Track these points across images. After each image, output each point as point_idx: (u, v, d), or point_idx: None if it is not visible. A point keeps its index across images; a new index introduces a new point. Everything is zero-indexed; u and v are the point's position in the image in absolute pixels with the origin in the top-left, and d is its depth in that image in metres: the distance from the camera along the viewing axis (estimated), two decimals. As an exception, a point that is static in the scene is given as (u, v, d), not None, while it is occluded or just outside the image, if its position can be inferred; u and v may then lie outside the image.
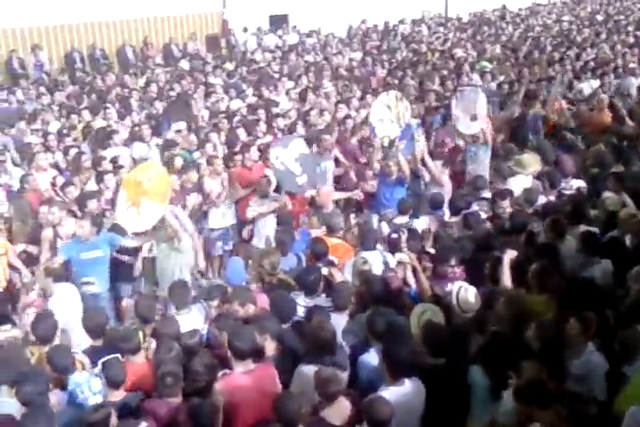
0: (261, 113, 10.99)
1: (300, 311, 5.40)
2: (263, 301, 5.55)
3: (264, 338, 4.82)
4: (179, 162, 8.70)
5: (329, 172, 9.06)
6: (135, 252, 7.40)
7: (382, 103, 8.81)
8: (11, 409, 4.37)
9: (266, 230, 7.82)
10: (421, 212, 7.64)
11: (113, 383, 4.52)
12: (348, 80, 13.76)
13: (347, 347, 4.95)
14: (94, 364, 4.82)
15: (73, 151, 9.38)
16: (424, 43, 18.37)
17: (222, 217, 8.52)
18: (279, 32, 20.67)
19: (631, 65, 13.63)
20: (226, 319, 5.11)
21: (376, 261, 6.12)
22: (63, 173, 9.08)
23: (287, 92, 12.84)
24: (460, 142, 9.35)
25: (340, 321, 5.15)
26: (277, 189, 8.32)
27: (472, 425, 4.48)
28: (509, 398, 4.03)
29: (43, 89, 13.64)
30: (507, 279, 5.44)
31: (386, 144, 8.58)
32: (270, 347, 4.84)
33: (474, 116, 8.94)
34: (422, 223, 7.11)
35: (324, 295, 5.61)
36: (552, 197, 7.45)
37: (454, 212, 7.20)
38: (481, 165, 8.91)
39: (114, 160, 8.94)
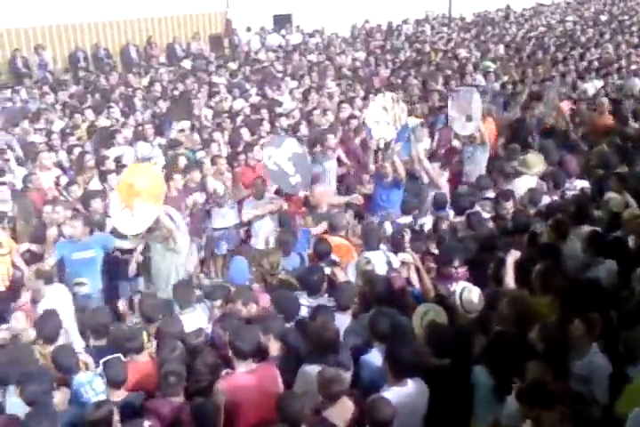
0: (265, 113, 11.00)
1: (304, 311, 5.40)
2: (266, 301, 5.55)
3: (268, 338, 4.83)
4: (182, 161, 8.70)
5: (332, 172, 9.07)
6: (129, 252, 7.40)
7: (379, 105, 8.78)
8: (17, 409, 4.38)
9: (263, 231, 7.82)
10: (420, 213, 7.62)
11: (114, 383, 4.53)
12: (351, 80, 13.75)
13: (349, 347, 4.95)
14: (98, 364, 4.83)
15: (77, 150, 9.40)
16: (427, 43, 18.36)
17: (225, 217, 8.52)
18: (282, 32, 20.67)
19: (632, 67, 13.60)
20: (230, 319, 5.12)
21: (379, 261, 6.11)
22: (67, 172, 9.10)
23: (290, 92, 12.84)
24: (456, 143, 9.30)
25: (342, 321, 5.15)
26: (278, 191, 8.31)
27: (475, 425, 4.48)
28: (513, 401, 4.02)
29: (46, 88, 13.66)
30: (510, 280, 5.43)
31: (382, 146, 8.54)
32: (274, 347, 4.84)
33: (469, 117, 8.91)
34: (426, 224, 7.11)
35: (326, 295, 5.61)
36: (556, 198, 7.44)
37: (458, 211, 7.19)
38: (478, 165, 8.89)
39: (117, 159, 8.95)
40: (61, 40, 17.92)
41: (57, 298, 6.03)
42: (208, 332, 5.24)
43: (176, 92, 12.99)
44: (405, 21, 22.70)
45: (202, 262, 8.84)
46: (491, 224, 6.86)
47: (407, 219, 7.32)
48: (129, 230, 6.85)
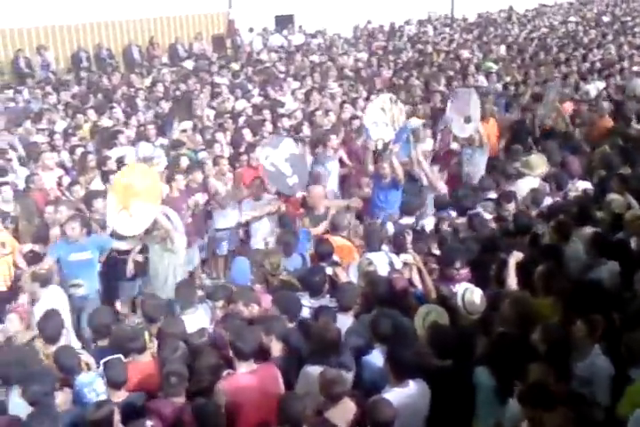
0: (267, 113, 11.00)
1: (306, 312, 5.40)
2: (267, 301, 5.55)
3: (270, 339, 4.83)
4: (184, 162, 8.70)
5: (334, 173, 9.06)
6: (126, 253, 7.39)
7: (377, 106, 8.74)
8: (20, 410, 4.39)
9: (261, 232, 7.80)
10: (420, 214, 7.60)
11: (114, 384, 4.52)
12: (353, 80, 13.75)
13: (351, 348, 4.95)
14: (100, 364, 4.83)
15: (79, 151, 9.41)
16: (430, 43, 18.36)
17: (227, 217, 8.51)
18: (285, 32, 20.68)
19: (635, 68, 13.57)
20: (232, 320, 5.12)
21: (381, 262, 6.10)
22: (69, 172, 9.11)
23: (293, 93, 12.84)
24: (455, 146, 9.24)
25: (344, 322, 5.15)
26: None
27: (477, 426, 4.47)
28: (515, 404, 4.02)
29: (49, 88, 13.68)
30: (512, 281, 5.42)
31: (380, 147, 8.52)
32: (276, 348, 4.84)
33: (467, 118, 8.89)
34: (428, 224, 7.10)
35: (328, 296, 5.61)
36: (558, 199, 7.43)
37: (461, 212, 7.19)
38: (477, 167, 8.86)
39: (120, 160, 8.96)
40: (64, 40, 17.95)
41: (53, 300, 6.00)
42: (210, 332, 5.24)
43: (178, 93, 13.00)
44: (408, 22, 22.69)
45: (203, 263, 8.85)
46: (493, 225, 6.85)
47: (409, 220, 7.32)
48: (128, 231, 6.83)
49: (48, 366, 4.76)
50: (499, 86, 12.86)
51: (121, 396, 4.49)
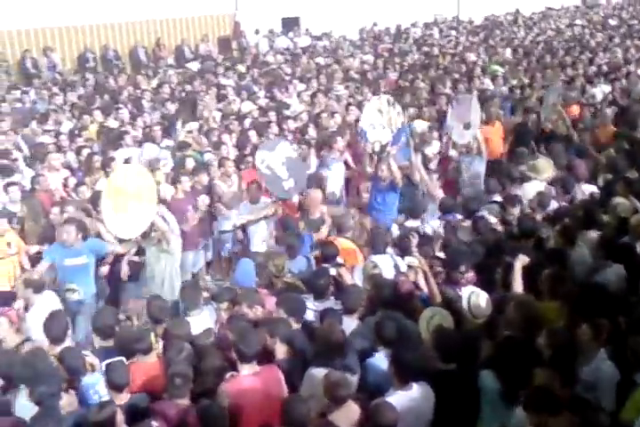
0: (272, 115, 11.01)
1: (311, 315, 5.40)
2: (272, 303, 5.55)
3: (274, 341, 4.83)
4: (190, 163, 8.72)
5: (339, 175, 9.05)
6: (121, 255, 7.38)
7: (374, 108, 8.71)
8: (25, 411, 4.39)
9: (258, 235, 7.77)
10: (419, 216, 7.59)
11: (116, 387, 4.50)
12: (359, 83, 13.76)
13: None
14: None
15: (85, 151, 9.44)
16: (436, 46, 18.35)
17: (232, 219, 8.50)
18: (291, 34, 20.70)
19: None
20: (237, 322, 5.12)
21: (386, 265, 6.10)
22: (75, 173, 9.13)
23: (298, 95, 12.85)
24: (453, 152, 9.17)
25: (349, 324, 5.15)
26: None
27: (482, 430, 4.47)
28: (522, 411, 4.00)
29: (56, 89, 13.72)
30: (518, 285, 5.41)
31: (377, 149, 8.50)
32: (280, 350, 4.84)
33: (467, 125, 8.83)
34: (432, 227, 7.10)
35: (332, 298, 5.61)
36: (564, 203, 7.41)
37: (467, 215, 7.17)
38: (475, 175, 8.80)
39: (127, 161, 8.97)
40: (71, 41, 18.01)
41: (46, 306, 5.95)
42: (215, 333, 5.24)
43: (184, 94, 13.02)
44: (414, 24, 22.69)
45: (208, 265, 8.86)
46: (499, 227, 6.85)
47: (415, 223, 7.30)
48: (126, 235, 6.80)
49: (55, 367, 4.75)
50: (505, 89, 12.84)
51: (123, 398, 4.47)
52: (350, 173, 9.39)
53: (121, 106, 11.93)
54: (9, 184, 8.14)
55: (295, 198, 7.97)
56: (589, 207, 6.83)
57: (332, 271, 5.93)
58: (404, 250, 6.24)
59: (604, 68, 14.20)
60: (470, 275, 5.71)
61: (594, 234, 6.12)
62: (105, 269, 7.34)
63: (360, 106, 11.30)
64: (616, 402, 4.34)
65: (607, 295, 4.99)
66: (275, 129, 10.28)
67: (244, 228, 8.09)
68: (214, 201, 8.38)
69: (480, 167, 8.87)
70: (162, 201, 7.82)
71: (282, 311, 5.19)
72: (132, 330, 5.30)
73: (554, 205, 7.29)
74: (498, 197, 7.70)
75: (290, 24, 21.32)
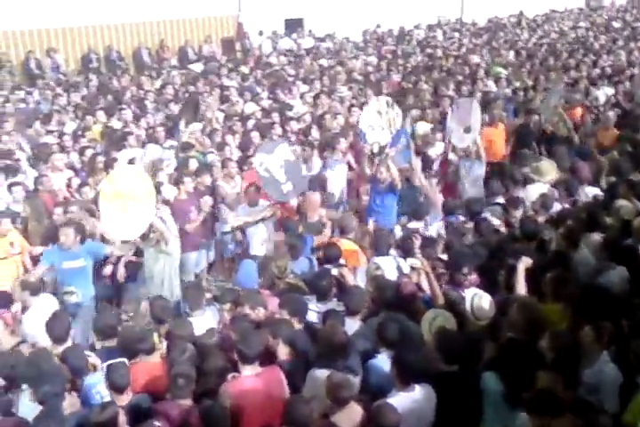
0: (276, 116, 11.02)
1: (314, 317, 5.40)
2: (274, 304, 5.55)
3: (277, 342, 4.83)
4: (193, 164, 8.72)
5: (342, 176, 9.05)
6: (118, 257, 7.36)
7: (373, 109, 8.67)
8: (28, 412, 4.40)
9: (257, 237, 7.73)
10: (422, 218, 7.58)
11: (117, 388, 4.48)
12: (362, 84, 13.76)
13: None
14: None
15: (89, 152, 9.45)
16: (439, 48, 18.36)
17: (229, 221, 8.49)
18: (294, 36, 20.72)
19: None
20: (240, 323, 5.13)
21: (389, 266, 6.10)
22: (79, 173, 9.14)
23: (302, 96, 12.86)
24: (452, 156, 9.13)
25: (352, 326, 5.15)
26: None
27: (484, 432, 4.46)
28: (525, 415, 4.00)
29: (59, 90, 13.75)
30: (521, 288, 5.40)
31: (376, 151, 8.48)
32: (283, 351, 4.84)
33: (467, 128, 8.78)
34: (435, 229, 7.10)
35: (335, 300, 5.61)
36: (567, 205, 7.41)
37: (470, 216, 7.17)
38: (474, 180, 8.77)
39: (131, 162, 8.99)
40: (74, 42, 18.05)
41: (43, 309, 5.94)
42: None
43: (187, 95, 13.04)
44: (417, 26, 22.70)
45: (210, 265, 8.87)
46: (503, 229, 6.84)
47: (418, 224, 7.30)
48: (125, 236, 6.76)
49: (59, 367, 4.74)
50: (508, 91, 12.84)
51: (124, 400, 4.46)
52: (352, 174, 9.39)
53: (124, 107, 11.95)
54: (13, 184, 8.17)
55: (294, 202, 7.91)
56: (592, 210, 6.82)
57: (334, 272, 5.92)
58: (406, 251, 6.23)
59: (608, 70, 14.18)
60: (473, 277, 5.71)
61: (597, 236, 6.11)
62: (108, 269, 7.35)
63: (363, 107, 11.31)
64: (619, 405, 4.33)
65: (610, 298, 4.98)
66: (278, 130, 10.29)
67: (243, 230, 8.06)
68: (217, 202, 8.38)
69: (480, 171, 8.85)
70: (164, 202, 7.84)
71: (284, 312, 5.19)
72: (135, 330, 5.30)
73: (557, 207, 7.28)
74: (501, 199, 7.69)
75: (293, 25, 21.34)
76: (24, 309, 6.11)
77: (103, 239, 7.25)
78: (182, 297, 5.96)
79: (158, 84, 14.41)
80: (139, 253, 7.35)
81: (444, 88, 12.83)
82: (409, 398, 4.32)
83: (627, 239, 6.14)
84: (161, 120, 11.44)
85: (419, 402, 4.35)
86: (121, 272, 7.22)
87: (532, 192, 7.72)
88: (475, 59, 16.20)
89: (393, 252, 6.40)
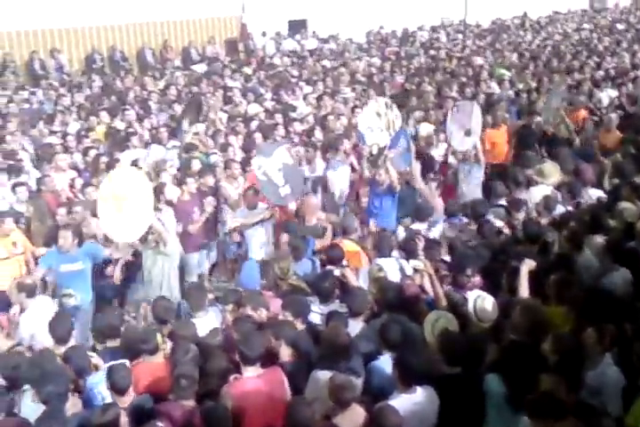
0: (279, 117, 11.02)
1: (317, 319, 5.40)
2: (277, 306, 5.55)
3: (279, 344, 4.83)
4: (196, 165, 8.72)
5: (345, 177, 9.04)
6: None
7: (372, 111, 8.65)
8: (31, 413, 4.40)
9: (256, 240, 7.69)
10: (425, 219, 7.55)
11: (118, 390, 4.47)
12: (366, 85, 13.76)
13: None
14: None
15: (92, 152, 9.46)
16: (443, 49, 18.35)
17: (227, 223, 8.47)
18: (297, 37, 20.73)
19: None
20: (243, 324, 5.12)
21: (392, 268, 6.09)
22: (82, 174, 9.15)
23: (305, 97, 12.87)
24: (452, 160, 9.09)
25: (355, 327, 5.14)
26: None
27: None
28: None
29: (63, 90, 13.76)
30: (524, 290, 5.39)
31: (374, 152, 8.43)
32: (285, 353, 4.83)
33: (468, 131, 8.76)
34: (437, 231, 7.08)
35: (337, 301, 5.61)
36: (570, 208, 7.39)
37: (475, 218, 7.15)
38: (473, 184, 8.75)
39: (134, 162, 9.00)
40: (78, 42, 18.07)
41: (40, 311, 5.94)
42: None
43: (191, 96, 13.05)
44: (421, 28, 22.70)
45: (213, 266, 8.87)
46: (506, 230, 6.82)
47: (421, 225, 7.28)
48: (124, 238, 6.73)
49: (63, 367, 4.74)
50: (511, 93, 12.83)
51: (125, 401, 4.45)
52: (355, 176, 9.38)
53: (128, 107, 11.97)
54: (17, 184, 8.18)
55: (292, 205, 7.85)
56: (596, 212, 6.81)
57: (336, 272, 5.92)
58: (409, 253, 6.22)
59: (612, 72, 14.16)
60: (476, 279, 5.70)
61: (600, 239, 6.10)
62: (111, 270, 7.33)
63: (365, 109, 11.31)
64: (622, 408, 4.32)
65: (614, 301, 4.97)
66: (281, 131, 10.29)
67: (241, 232, 8.01)
68: (220, 203, 8.38)
69: (478, 175, 8.82)
70: (167, 203, 7.85)
71: (287, 313, 5.19)
72: (139, 330, 5.29)
73: (560, 209, 7.27)
74: (504, 201, 7.68)
75: (297, 26, 21.35)
76: (21, 311, 6.09)
77: (107, 239, 7.24)
78: (185, 298, 5.93)
79: (162, 84, 14.43)
80: (137, 254, 7.32)
81: (447, 90, 12.82)
82: (410, 401, 4.31)
83: (630, 242, 6.12)
84: (164, 121, 11.44)
85: (420, 404, 4.34)
86: (117, 275, 7.10)
87: (535, 194, 7.70)
88: (478, 60, 16.20)
89: (396, 253, 6.40)
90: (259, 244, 7.67)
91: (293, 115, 11.54)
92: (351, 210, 8.96)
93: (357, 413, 4.21)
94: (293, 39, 20.54)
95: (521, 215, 7.09)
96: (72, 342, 5.23)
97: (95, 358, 4.97)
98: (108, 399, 4.52)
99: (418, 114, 10.96)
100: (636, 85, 12.71)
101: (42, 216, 7.83)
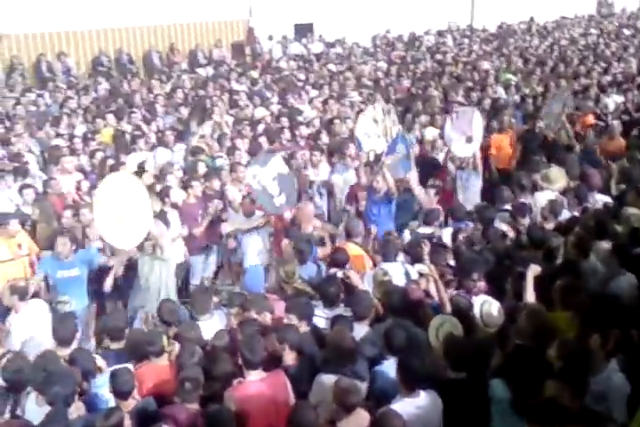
0: (285, 121, 11.03)
1: (322, 323, 5.39)
2: (281, 309, 5.55)
3: (283, 347, 4.82)
4: (202, 168, 8.73)
5: (351, 182, 9.03)
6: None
7: (369, 117, 8.63)
8: (34, 416, 4.40)
9: (252, 246, 7.66)
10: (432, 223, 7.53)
11: (120, 394, 4.47)
12: (372, 90, 13.77)
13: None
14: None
15: (99, 155, 9.48)
16: (449, 54, 18.36)
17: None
18: (304, 41, 20.77)
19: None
20: (248, 327, 5.12)
21: (397, 272, 6.08)
22: (88, 176, 9.17)
23: (311, 101, 12.88)
24: (450, 166, 9.04)
25: (359, 331, 5.14)
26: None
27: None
28: None
29: (70, 93, 13.81)
30: (530, 295, 5.37)
31: (372, 158, 8.39)
32: (290, 357, 4.83)
33: (469, 138, 8.72)
34: (446, 235, 7.06)
35: (342, 305, 5.60)
36: (576, 213, 7.37)
37: (482, 223, 7.13)
38: (471, 191, 8.73)
39: (141, 166, 9.01)
40: (85, 45, 18.13)
41: (32, 314, 5.93)
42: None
43: (197, 99, 13.08)
44: (427, 32, 22.71)
45: (218, 269, 8.87)
46: (512, 234, 6.81)
47: (427, 229, 7.27)
48: (123, 245, 6.69)
49: (68, 369, 4.73)
50: (517, 98, 12.82)
51: (129, 405, 4.44)
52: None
53: (134, 110, 11.99)
54: (24, 186, 8.20)
55: (287, 214, 7.78)
56: (602, 217, 6.79)
57: (339, 274, 5.91)
58: (415, 257, 6.21)
59: (619, 77, 14.12)
60: (482, 283, 5.69)
61: (606, 244, 6.09)
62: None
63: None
64: (627, 414, 4.30)
65: (619, 306, 4.95)
66: (287, 135, 10.31)
67: (237, 238, 7.99)
68: (225, 206, 8.38)
69: (476, 182, 8.80)
70: (173, 206, 7.85)
71: (292, 316, 5.19)
72: (144, 332, 5.29)
73: (567, 214, 7.25)
74: (509, 206, 7.66)
75: (303, 30, 21.38)
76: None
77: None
78: (189, 301, 5.93)
79: (168, 87, 14.46)
80: (133, 261, 7.25)
81: (453, 94, 12.82)
82: (413, 405, 4.30)
83: (636, 247, 6.10)
84: (171, 124, 11.47)
85: (423, 408, 4.32)
86: (108, 284, 6.95)
87: (540, 200, 7.68)
88: (484, 65, 16.17)
89: (401, 258, 6.38)
90: (255, 251, 7.65)
91: (299, 118, 11.55)
92: (350, 214, 8.94)
93: (362, 417, 4.20)
94: (300, 43, 20.57)
95: (525, 220, 7.08)
96: (75, 345, 5.23)
97: (99, 360, 4.97)
98: (112, 403, 4.52)
99: (424, 118, 10.95)
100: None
101: (48, 218, 7.85)
